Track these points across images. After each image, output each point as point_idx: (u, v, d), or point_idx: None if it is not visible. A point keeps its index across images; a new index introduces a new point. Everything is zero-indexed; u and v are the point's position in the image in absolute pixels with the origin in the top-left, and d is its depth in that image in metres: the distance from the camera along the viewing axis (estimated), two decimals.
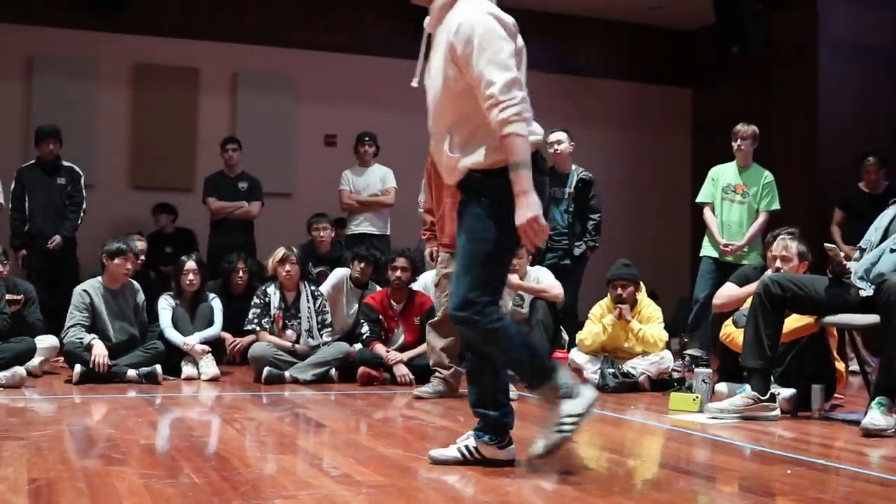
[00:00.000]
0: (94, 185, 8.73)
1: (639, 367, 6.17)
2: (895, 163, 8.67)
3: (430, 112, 3.49)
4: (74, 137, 8.65)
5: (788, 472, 3.56)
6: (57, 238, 7.91)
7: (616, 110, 11.53)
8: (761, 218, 7.47)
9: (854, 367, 6.20)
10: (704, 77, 11.67)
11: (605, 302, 6.46)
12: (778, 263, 5.46)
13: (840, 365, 5.43)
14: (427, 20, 3.48)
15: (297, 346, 6.61)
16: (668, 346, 6.39)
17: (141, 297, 6.70)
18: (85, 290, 6.46)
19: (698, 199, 7.83)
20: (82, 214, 8.12)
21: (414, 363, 6.34)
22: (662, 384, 6.10)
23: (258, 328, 6.74)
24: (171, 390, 6.00)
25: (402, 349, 6.53)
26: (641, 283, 6.50)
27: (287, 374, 6.34)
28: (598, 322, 6.38)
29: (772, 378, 5.03)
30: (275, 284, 6.83)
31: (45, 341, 6.50)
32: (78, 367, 6.09)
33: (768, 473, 3.56)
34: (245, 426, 4.61)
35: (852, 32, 10.11)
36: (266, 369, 6.28)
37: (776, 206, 7.53)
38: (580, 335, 6.45)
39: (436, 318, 5.80)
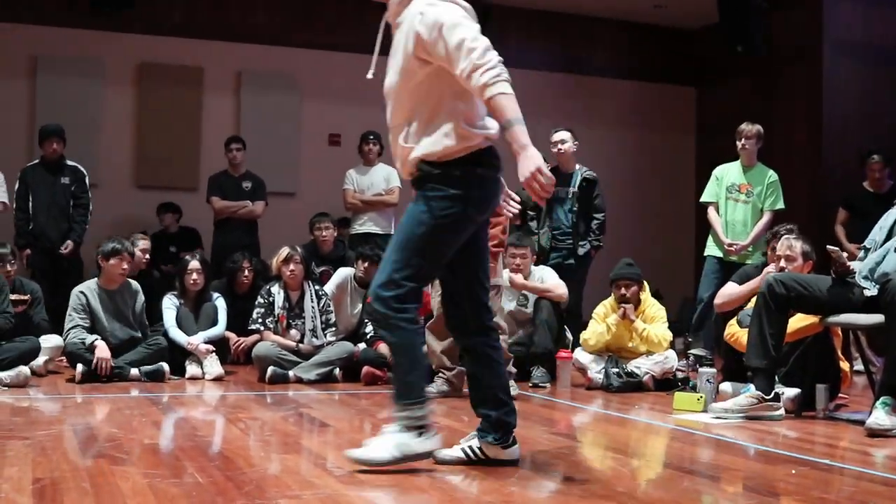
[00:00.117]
0: (98, 184, 8.74)
1: (643, 366, 6.16)
2: None
3: (388, 106, 3.50)
4: (78, 137, 8.66)
5: (793, 471, 3.55)
6: (70, 244, 7.92)
7: (619, 109, 11.51)
8: (766, 217, 7.46)
9: (858, 366, 6.20)
10: (708, 76, 11.65)
11: (609, 301, 6.46)
12: (783, 263, 5.45)
13: (844, 365, 5.42)
14: (386, 14, 3.51)
15: (301, 345, 6.61)
16: (672, 345, 6.39)
17: (141, 297, 6.67)
18: (82, 292, 6.45)
19: (702, 199, 7.82)
20: (90, 217, 8.14)
21: None
22: (666, 384, 6.10)
23: (262, 328, 6.75)
24: (175, 390, 6.01)
25: None
26: (645, 283, 6.50)
27: (291, 373, 6.35)
28: (601, 322, 6.37)
29: (776, 378, 5.03)
30: (279, 284, 6.83)
31: (50, 341, 6.50)
32: (80, 367, 6.09)
33: (772, 473, 3.56)
34: (249, 426, 4.61)
35: (856, 31, 10.09)
36: (270, 369, 6.28)
37: (780, 205, 7.52)
38: (584, 335, 6.45)
39: (432, 320, 5.80)
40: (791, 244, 5.49)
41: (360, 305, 7.24)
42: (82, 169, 8.17)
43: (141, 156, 9.86)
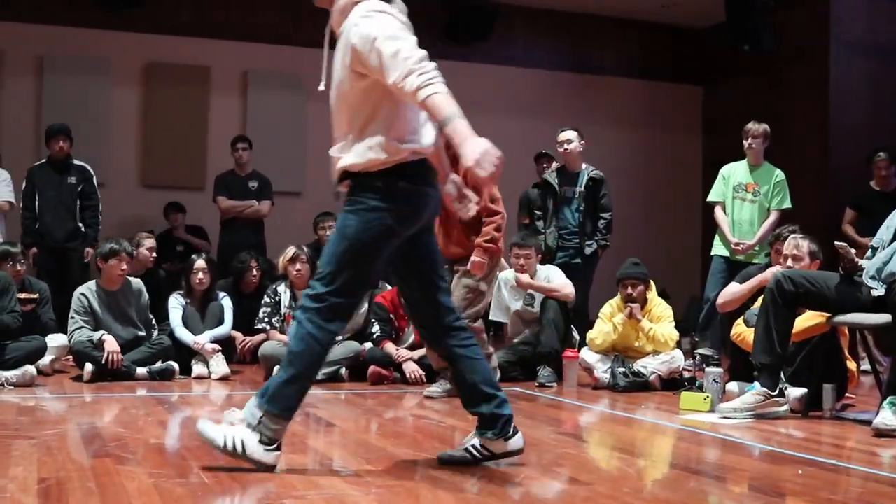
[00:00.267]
0: (104, 183, 8.74)
1: (649, 366, 6.15)
2: None
3: (333, 117, 3.46)
4: (85, 136, 8.67)
5: (799, 472, 3.55)
6: (89, 251, 7.93)
7: (627, 108, 11.50)
8: (773, 217, 7.43)
9: (865, 366, 6.18)
10: (715, 75, 11.63)
11: (616, 301, 6.45)
12: (790, 262, 5.43)
13: (851, 364, 5.40)
14: (330, 21, 3.48)
15: None
16: (678, 345, 6.37)
17: (145, 295, 6.67)
18: (83, 294, 6.45)
19: (709, 198, 7.80)
20: (100, 217, 8.15)
21: (424, 361, 6.33)
22: (673, 383, 6.09)
23: (268, 327, 6.75)
24: (182, 389, 6.01)
25: (412, 348, 6.53)
26: (652, 282, 6.49)
27: None
28: (608, 321, 6.36)
29: (782, 375, 5.01)
30: (285, 283, 6.83)
31: (56, 340, 6.51)
32: (88, 366, 6.09)
33: (779, 473, 3.55)
34: None
35: (863, 29, 10.06)
36: (276, 368, 6.25)
37: (787, 204, 7.50)
38: (591, 334, 6.44)
39: None
40: (798, 243, 5.47)
41: (366, 305, 7.23)
42: (90, 168, 8.17)
43: (147, 155, 9.88)
